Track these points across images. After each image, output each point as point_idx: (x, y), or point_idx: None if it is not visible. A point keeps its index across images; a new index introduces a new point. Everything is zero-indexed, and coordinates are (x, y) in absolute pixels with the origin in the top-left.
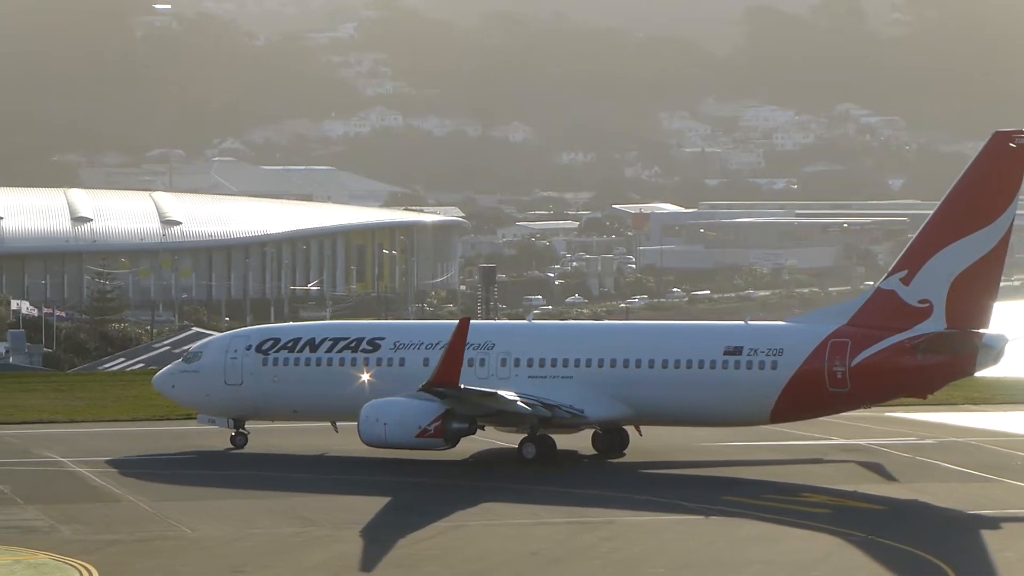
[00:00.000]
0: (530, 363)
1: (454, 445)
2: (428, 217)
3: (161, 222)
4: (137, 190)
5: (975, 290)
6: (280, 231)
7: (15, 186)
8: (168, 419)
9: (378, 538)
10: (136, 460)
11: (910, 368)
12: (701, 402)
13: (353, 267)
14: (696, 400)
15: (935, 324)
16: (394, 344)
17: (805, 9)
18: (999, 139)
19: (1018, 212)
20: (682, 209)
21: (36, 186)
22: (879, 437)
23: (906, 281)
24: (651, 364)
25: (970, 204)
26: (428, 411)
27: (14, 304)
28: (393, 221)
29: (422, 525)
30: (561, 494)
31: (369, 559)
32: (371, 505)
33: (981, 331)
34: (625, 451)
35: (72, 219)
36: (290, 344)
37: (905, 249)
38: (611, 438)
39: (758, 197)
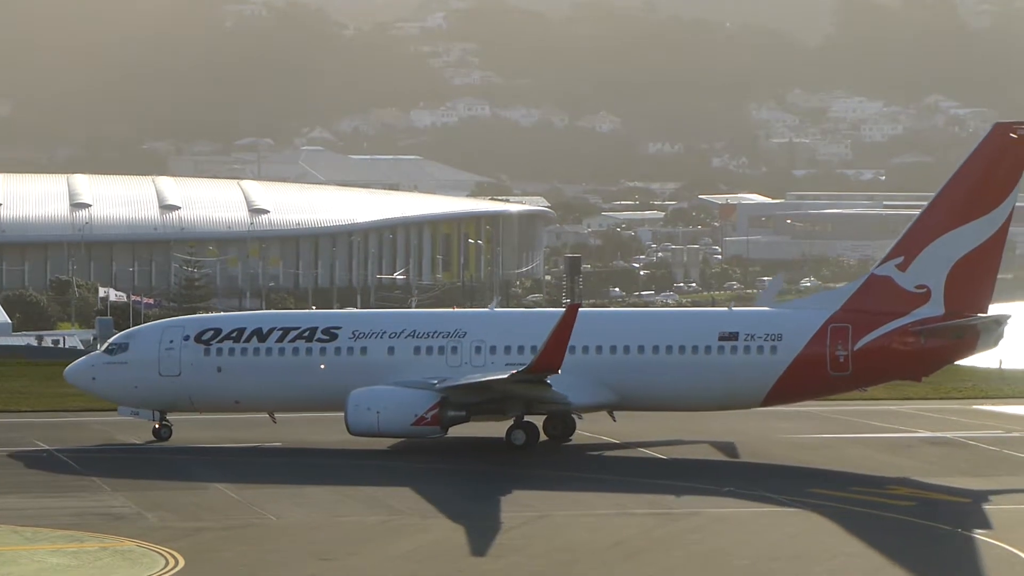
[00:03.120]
0: (507, 350)
1: (446, 433)
2: (514, 207)
3: (249, 211)
4: (225, 178)
5: (974, 276)
6: (367, 220)
7: (105, 174)
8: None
9: (463, 527)
10: (222, 448)
11: (912, 352)
12: (694, 387)
13: (439, 256)
14: (689, 385)
15: (933, 309)
16: (353, 333)
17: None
18: (1000, 130)
19: (1017, 204)
20: (769, 200)
21: (125, 174)
22: (965, 430)
23: (902, 267)
24: (640, 350)
25: (971, 193)
26: (424, 399)
27: (102, 291)
28: (479, 211)
29: (507, 514)
30: (646, 485)
31: (454, 548)
32: (455, 494)
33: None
34: (571, 437)
35: (160, 207)
36: (234, 334)
37: (900, 236)
38: (563, 423)
39: (846, 188)
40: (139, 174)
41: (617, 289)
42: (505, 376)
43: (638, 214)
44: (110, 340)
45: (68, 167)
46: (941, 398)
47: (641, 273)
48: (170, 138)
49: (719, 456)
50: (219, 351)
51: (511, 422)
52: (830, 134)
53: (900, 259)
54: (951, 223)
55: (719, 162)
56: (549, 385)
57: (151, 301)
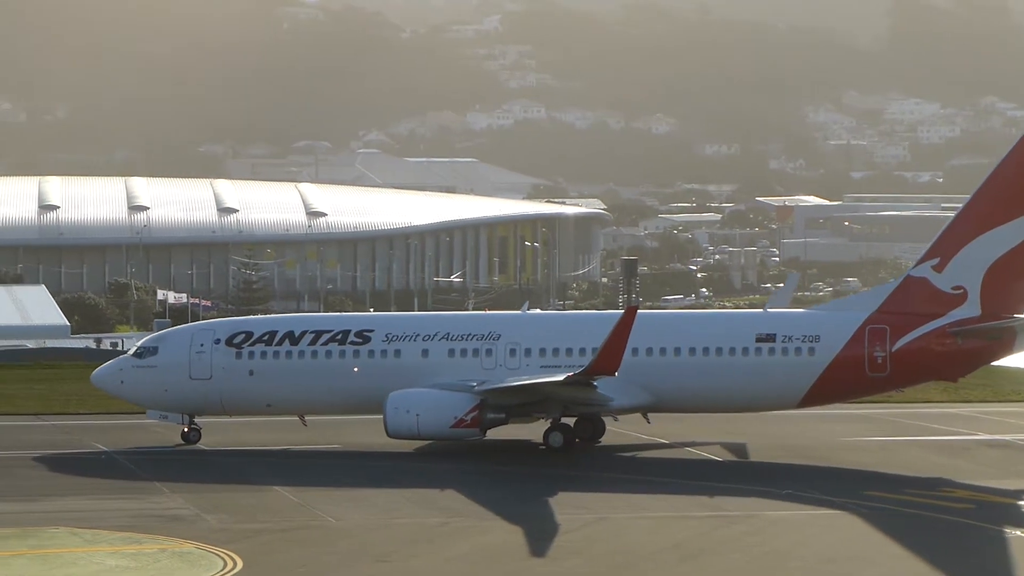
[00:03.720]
0: (542, 353)
1: (484, 436)
2: (570, 209)
3: (306, 213)
4: (283, 181)
5: (1010, 277)
6: (424, 223)
7: (162, 176)
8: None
9: (522, 529)
10: (281, 451)
11: (949, 353)
12: (731, 389)
13: (495, 259)
14: (726, 387)
15: (970, 310)
16: (386, 336)
17: (950, 1)
18: None
19: None
20: (826, 202)
21: (183, 177)
22: None
23: (938, 268)
24: (677, 352)
25: (1007, 194)
26: (464, 401)
27: (160, 294)
28: (535, 213)
29: (565, 516)
30: (703, 488)
31: (513, 551)
32: (512, 496)
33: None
34: (600, 439)
35: (218, 210)
36: (266, 337)
37: (936, 238)
38: (593, 425)
39: (903, 190)
40: (196, 177)
41: (680, 295)
42: (561, 378)
43: (695, 216)
44: (138, 344)
45: (125, 170)
46: (1000, 401)
47: (698, 276)
48: (227, 141)
49: (774, 458)
50: (251, 354)
51: (546, 424)
52: (887, 136)
53: (936, 260)
54: (987, 224)
55: (776, 164)
56: (595, 387)
57: (209, 303)
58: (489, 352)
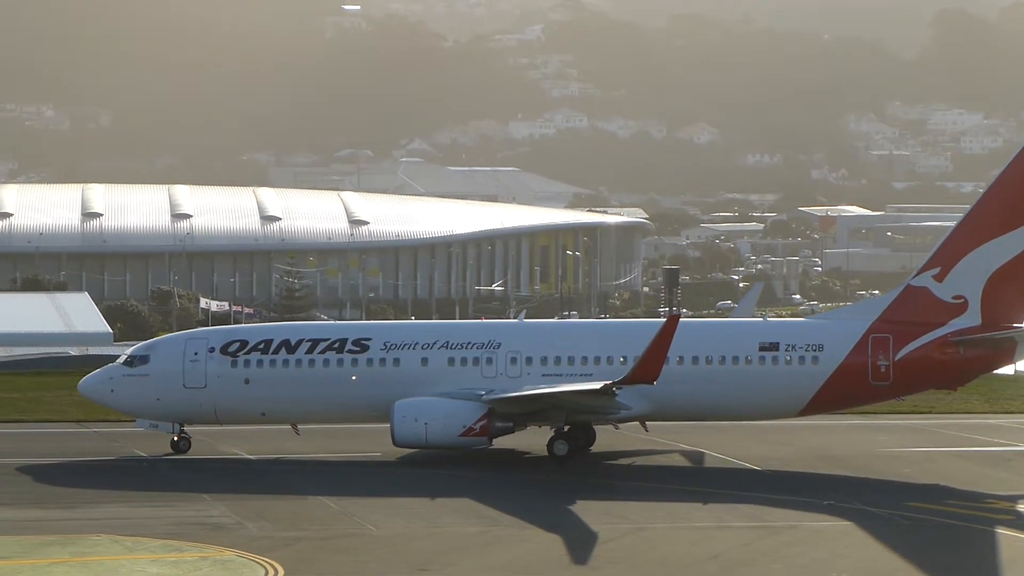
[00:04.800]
0: (543, 361)
1: (491, 444)
2: (612, 218)
3: (349, 221)
4: (325, 189)
5: (1011, 286)
6: (465, 231)
7: (204, 184)
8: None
9: (561, 539)
10: (321, 459)
11: (951, 362)
12: (733, 397)
13: (537, 268)
14: (728, 395)
15: (970, 319)
16: (384, 344)
17: (993, 12)
18: None
19: None
20: (869, 212)
21: (225, 185)
22: None
23: (939, 278)
24: (680, 360)
25: (1007, 204)
26: (472, 410)
27: (203, 302)
28: (577, 222)
29: (605, 526)
30: (743, 497)
31: (553, 560)
32: (551, 505)
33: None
34: (590, 448)
35: (261, 218)
36: (261, 346)
37: (936, 247)
38: (585, 434)
39: (946, 200)
40: (239, 185)
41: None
42: (598, 386)
43: (737, 226)
44: (128, 352)
45: (167, 177)
46: None
47: (740, 285)
48: (270, 149)
49: (815, 468)
50: (247, 363)
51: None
52: (930, 146)
53: (937, 270)
54: (988, 234)
55: (818, 174)
56: (616, 396)
57: (252, 311)
58: (490, 361)
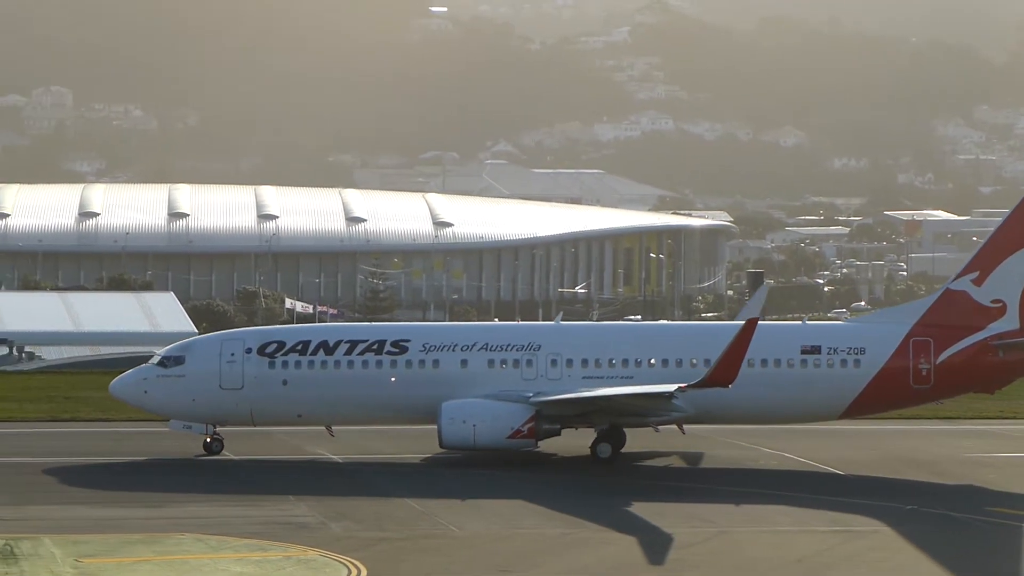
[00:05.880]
0: (584, 363)
1: (537, 446)
2: (696, 221)
3: (433, 223)
4: (410, 191)
5: None
6: (549, 234)
7: (292, 186)
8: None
9: (645, 541)
10: (403, 460)
11: (991, 365)
12: (775, 401)
13: (620, 270)
14: (770, 398)
15: (1009, 323)
16: (423, 346)
17: None
18: None
19: None
20: (955, 216)
21: (312, 186)
22: None
23: (978, 282)
24: None
25: None
26: (520, 412)
27: (288, 302)
28: (661, 225)
29: (687, 529)
30: (826, 502)
31: (634, 563)
32: (637, 509)
33: None
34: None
35: (346, 219)
36: (299, 347)
37: (976, 252)
38: (617, 437)
39: None
40: (324, 186)
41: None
42: (673, 388)
43: (822, 229)
44: (161, 353)
45: (253, 178)
46: None
47: (825, 289)
48: (356, 150)
49: (898, 473)
50: (285, 364)
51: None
52: (1017, 151)
53: (975, 274)
54: None
55: (904, 178)
56: (675, 399)
57: (336, 312)
58: (530, 363)
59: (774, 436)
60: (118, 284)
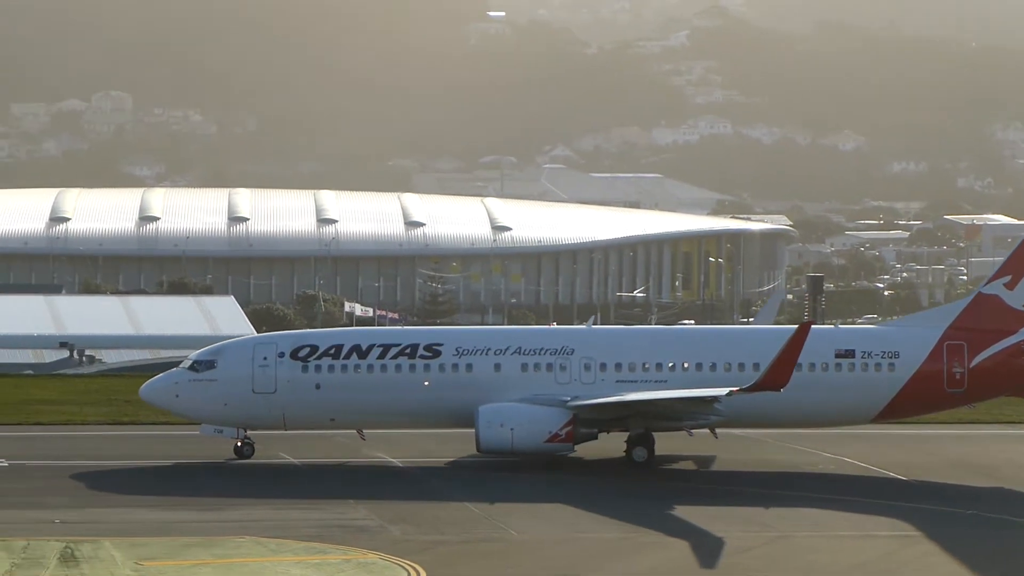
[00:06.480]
0: (618, 367)
1: (574, 451)
2: (755, 225)
3: (492, 227)
4: (469, 195)
5: None
6: (607, 238)
7: (351, 190)
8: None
9: (704, 546)
10: (464, 463)
11: None
12: (809, 405)
13: (679, 274)
14: (804, 402)
15: None
16: (456, 350)
17: None
18: None
19: None
20: (1015, 221)
21: (371, 190)
22: None
23: (1010, 286)
24: (756, 367)
25: None
26: (558, 416)
27: (347, 306)
28: (720, 229)
29: (747, 534)
30: (886, 507)
31: (694, 566)
32: (693, 513)
33: None
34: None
35: (405, 223)
36: (332, 351)
37: (1008, 256)
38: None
39: None
40: (383, 190)
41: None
42: (725, 392)
43: (882, 234)
44: (192, 357)
45: (312, 182)
46: None
47: (885, 294)
48: (415, 155)
49: (958, 478)
50: (318, 368)
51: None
52: None
53: (1008, 278)
54: None
55: (964, 182)
56: (718, 403)
57: (396, 316)
58: (563, 367)
59: (832, 441)
60: (178, 288)
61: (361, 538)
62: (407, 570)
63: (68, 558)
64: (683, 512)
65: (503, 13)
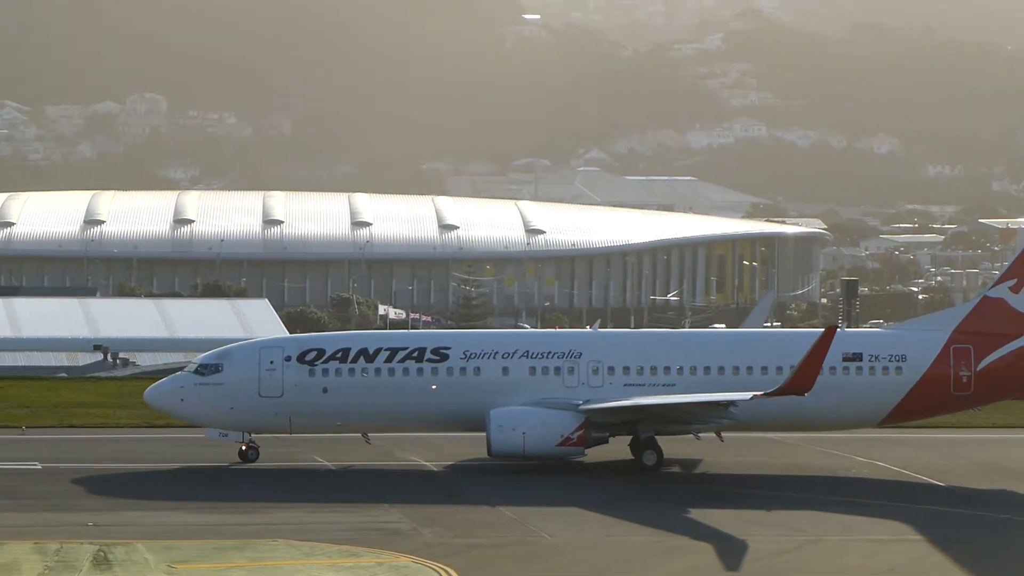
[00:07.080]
0: (626, 371)
1: (585, 454)
2: (790, 228)
3: (526, 230)
4: (502, 199)
5: None
6: (641, 241)
7: (385, 193)
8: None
9: (735, 549)
10: (496, 466)
11: None
12: (815, 408)
13: (713, 278)
14: (810, 406)
15: None
16: (464, 353)
17: None
18: None
19: None
20: None
21: (405, 193)
22: None
23: (1015, 289)
24: (764, 371)
25: None
26: (570, 420)
27: (381, 309)
28: (754, 232)
29: (779, 537)
30: (919, 511)
31: (727, 570)
32: (727, 517)
33: None
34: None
35: (439, 226)
36: (339, 354)
37: (1013, 260)
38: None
39: None
40: (417, 193)
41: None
42: (748, 396)
43: (917, 237)
44: (197, 361)
45: (346, 185)
46: None
47: (920, 297)
48: (448, 158)
49: (990, 481)
50: (325, 371)
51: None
52: None
53: (1013, 281)
54: None
55: (999, 186)
56: (730, 405)
57: (430, 319)
58: (571, 370)
59: (864, 444)
60: (212, 291)
61: (394, 541)
62: (439, 573)
63: (101, 561)
64: (712, 516)
65: (538, 16)
